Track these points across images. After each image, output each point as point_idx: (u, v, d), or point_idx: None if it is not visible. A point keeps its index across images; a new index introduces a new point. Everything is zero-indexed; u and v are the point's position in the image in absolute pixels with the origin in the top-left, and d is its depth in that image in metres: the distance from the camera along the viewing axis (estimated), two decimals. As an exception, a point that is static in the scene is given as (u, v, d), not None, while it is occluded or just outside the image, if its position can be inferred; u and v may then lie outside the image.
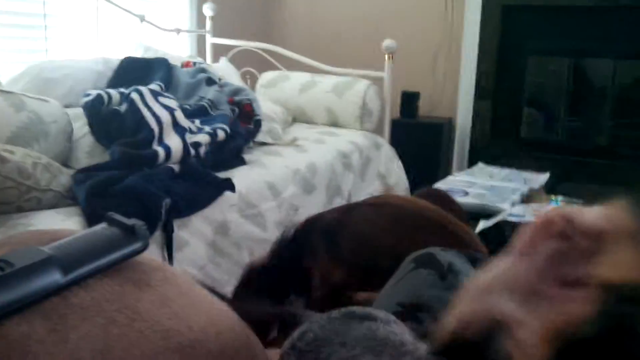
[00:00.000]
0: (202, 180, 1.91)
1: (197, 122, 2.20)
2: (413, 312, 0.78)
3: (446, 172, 3.68)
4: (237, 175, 2.06)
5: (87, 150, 2.01)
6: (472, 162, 3.63)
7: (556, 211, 0.40)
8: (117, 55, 2.64)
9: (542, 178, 2.58)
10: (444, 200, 1.53)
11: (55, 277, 0.54)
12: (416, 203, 1.35)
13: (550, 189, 2.56)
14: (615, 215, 0.37)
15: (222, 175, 2.02)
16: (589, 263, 0.35)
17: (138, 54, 2.83)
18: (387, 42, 2.94)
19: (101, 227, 0.63)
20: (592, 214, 0.39)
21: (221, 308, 0.69)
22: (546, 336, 0.34)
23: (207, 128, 2.15)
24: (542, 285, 0.37)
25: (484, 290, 0.41)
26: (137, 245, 0.63)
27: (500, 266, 0.41)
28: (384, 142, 2.97)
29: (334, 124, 3.01)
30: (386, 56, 2.95)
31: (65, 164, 1.94)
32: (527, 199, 2.38)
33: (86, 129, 2.05)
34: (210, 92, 2.44)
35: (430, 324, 0.61)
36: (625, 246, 0.35)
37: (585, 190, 2.67)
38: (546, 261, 0.38)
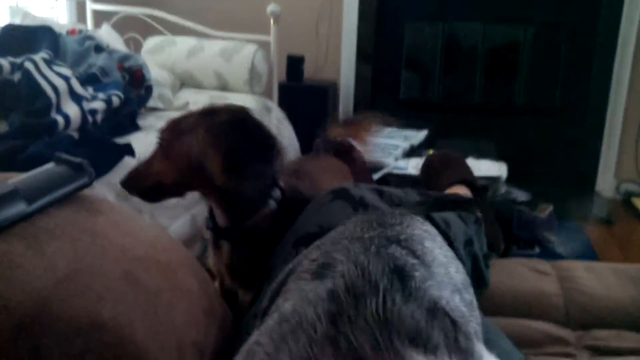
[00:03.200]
0: (102, 147, 1.94)
1: (90, 89, 2.21)
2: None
3: (332, 132, 3.86)
4: (135, 141, 2.09)
5: (-23, 118, 1.97)
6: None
7: None
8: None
9: (421, 135, 2.81)
10: (348, 150, 1.70)
11: (21, 206, 0.64)
12: None
13: (429, 144, 2.79)
14: None
15: (119, 141, 2.06)
16: None
17: (16, 20, 2.75)
18: (272, 7, 3.03)
19: (51, 165, 0.72)
20: None
21: (162, 229, 0.80)
22: None
23: (101, 95, 2.17)
24: None
25: None
26: (85, 180, 0.72)
27: None
28: (274, 106, 3.08)
29: (224, 88, 3.08)
30: (271, 20, 3.05)
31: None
32: (408, 153, 2.60)
33: (-26, 97, 2.00)
34: (99, 60, 2.43)
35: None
36: None
37: (460, 145, 2.87)
38: None
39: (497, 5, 3.59)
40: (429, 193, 1.25)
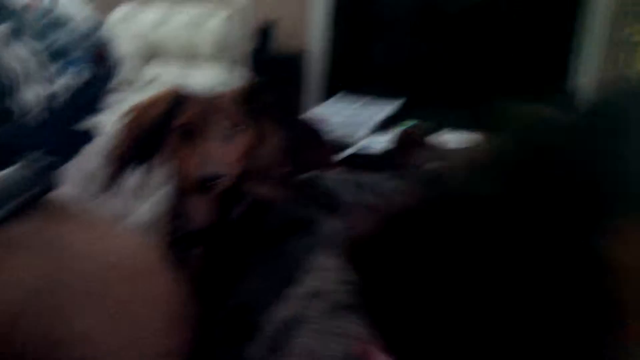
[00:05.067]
0: (64, 133, 1.88)
1: (52, 68, 2.13)
2: None
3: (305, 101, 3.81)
4: (105, 121, 2.04)
5: None
6: (329, 89, 3.79)
7: None
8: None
9: (393, 106, 2.73)
10: (313, 139, 1.61)
11: (-20, 217, 0.60)
12: None
13: (405, 113, 2.70)
14: None
15: (83, 123, 1.99)
16: None
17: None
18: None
19: (13, 169, 0.68)
20: None
21: (129, 233, 0.77)
22: None
23: (64, 75, 2.10)
24: None
25: None
26: (49, 184, 0.69)
27: None
28: (243, 75, 3.02)
29: (193, 58, 3.01)
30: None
31: None
32: (383, 126, 2.50)
33: None
34: (62, 35, 2.35)
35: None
36: None
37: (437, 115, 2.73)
38: None
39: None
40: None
